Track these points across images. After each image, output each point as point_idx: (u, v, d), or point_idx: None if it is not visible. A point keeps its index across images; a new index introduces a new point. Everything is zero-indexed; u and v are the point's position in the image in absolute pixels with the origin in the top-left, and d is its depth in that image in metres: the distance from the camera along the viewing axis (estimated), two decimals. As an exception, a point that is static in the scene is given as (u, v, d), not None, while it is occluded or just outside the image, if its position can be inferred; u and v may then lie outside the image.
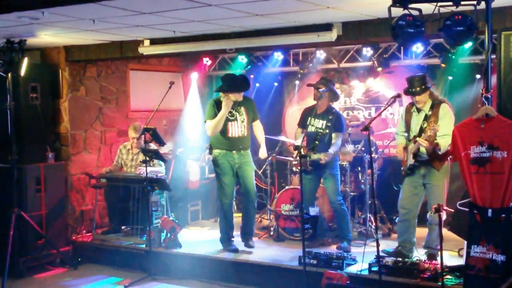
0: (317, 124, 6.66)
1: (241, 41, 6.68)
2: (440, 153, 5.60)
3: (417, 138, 5.73)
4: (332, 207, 6.86)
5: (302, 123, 6.86)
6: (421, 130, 5.82)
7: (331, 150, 6.47)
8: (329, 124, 6.59)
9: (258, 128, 6.95)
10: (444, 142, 5.53)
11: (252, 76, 9.30)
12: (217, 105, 6.65)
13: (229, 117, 6.64)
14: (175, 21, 5.92)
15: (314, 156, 6.43)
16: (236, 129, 6.69)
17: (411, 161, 5.90)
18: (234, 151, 6.70)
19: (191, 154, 8.80)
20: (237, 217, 8.81)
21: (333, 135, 6.60)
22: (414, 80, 5.86)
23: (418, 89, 5.81)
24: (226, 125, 6.64)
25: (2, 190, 6.92)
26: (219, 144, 6.71)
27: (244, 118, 6.72)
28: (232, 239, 6.90)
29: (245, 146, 6.77)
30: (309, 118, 6.69)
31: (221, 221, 6.96)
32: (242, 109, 6.74)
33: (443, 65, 7.27)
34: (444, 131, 5.57)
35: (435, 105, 5.84)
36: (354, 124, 7.82)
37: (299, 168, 6.65)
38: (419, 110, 5.93)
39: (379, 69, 7.68)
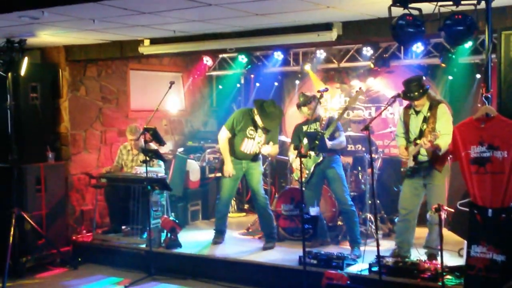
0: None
1: (241, 41, 6.67)
2: (440, 153, 5.58)
3: (418, 141, 5.71)
4: (341, 209, 6.79)
5: (296, 141, 6.83)
6: (421, 132, 5.79)
7: (332, 141, 6.51)
8: (324, 125, 6.59)
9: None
10: (444, 142, 5.50)
11: (252, 75, 9.33)
12: (243, 118, 6.85)
13: (248, 134, 6.86)
14: (175, 21, 5.92)
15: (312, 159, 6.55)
16: (250, 147, 6.91)
17: (411, 163, 5.87)
18: (243, 161, 6.97)
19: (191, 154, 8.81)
20: (237, 217, 8.90)
21: (336, 134, 6.62)
22: (411, 84, 5.75)
23: (416, 94, 5.73)
24: (242, 140, 6.87)
25: (2, 190, 6.90)
26: (231, 152, 6.95)
27: (261, 141, 6.91)
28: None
29: (254, 159, 7.01)
30: (303, 132, 6.71)
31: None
32: (264, 134, 6.88)
33: (443, 64, 7.27)
34: (443, 131, 5.55)
35: (433, 106, 5.81)
36: (355, 120, 7.82)
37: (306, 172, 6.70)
38: (417, 112, 5.88)
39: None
